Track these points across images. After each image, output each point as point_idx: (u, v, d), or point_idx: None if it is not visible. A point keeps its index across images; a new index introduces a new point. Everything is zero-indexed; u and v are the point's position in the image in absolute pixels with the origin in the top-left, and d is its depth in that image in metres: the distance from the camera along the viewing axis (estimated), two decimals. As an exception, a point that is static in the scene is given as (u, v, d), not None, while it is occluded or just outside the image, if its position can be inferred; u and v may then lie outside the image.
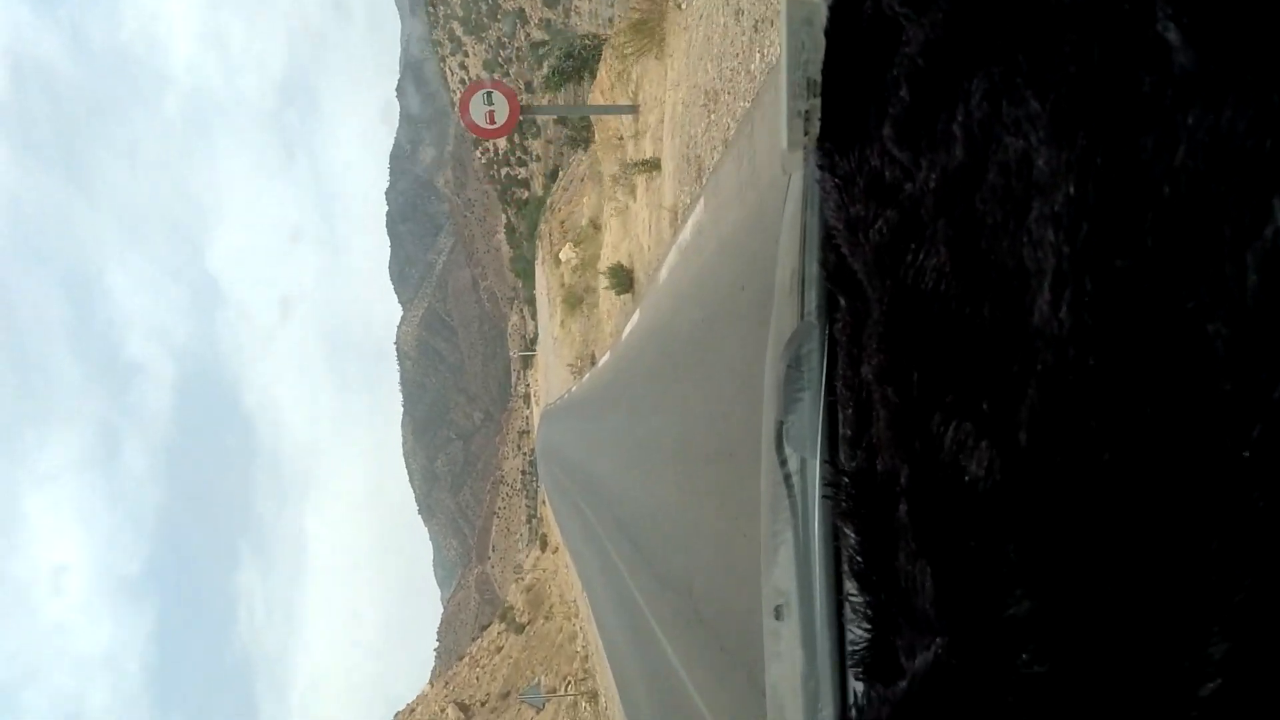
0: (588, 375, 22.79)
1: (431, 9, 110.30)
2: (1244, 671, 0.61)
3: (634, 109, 13.91)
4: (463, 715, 35.75)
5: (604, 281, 17.47)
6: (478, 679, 38.09)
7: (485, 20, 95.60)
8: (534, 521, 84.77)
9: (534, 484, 77.50)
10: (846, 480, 1.06)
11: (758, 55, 7.02)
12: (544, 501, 50.93)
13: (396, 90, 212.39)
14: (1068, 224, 0.69)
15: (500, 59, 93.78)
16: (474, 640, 48.85)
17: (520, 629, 34.67)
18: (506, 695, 30.67)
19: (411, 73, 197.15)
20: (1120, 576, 0.67)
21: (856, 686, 1.12)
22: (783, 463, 1.35)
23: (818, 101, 1.13)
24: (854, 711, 0.95)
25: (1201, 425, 0.62)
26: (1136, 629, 0.66)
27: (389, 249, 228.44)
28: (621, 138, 15.94)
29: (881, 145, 0.95)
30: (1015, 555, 0.72)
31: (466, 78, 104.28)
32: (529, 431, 78.65)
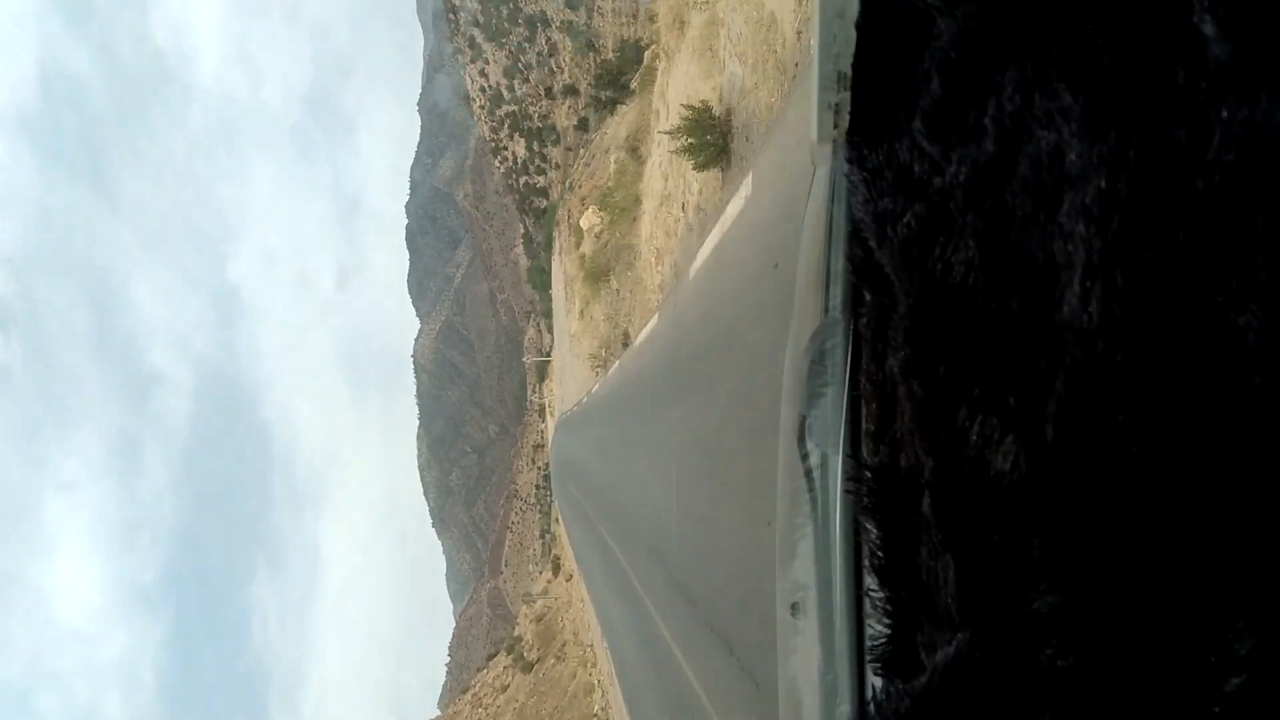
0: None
1: (451, 16, 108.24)
2: (1269, 667, 0.60)
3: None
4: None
5: (683, 141, 9.88)
6: (480, 720, 34.62)
7: (505, 25, 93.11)
8: (547, 537, 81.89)
9: (548, 499, 74.30)
10: (869, 475, 1.05)
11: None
12: (558, 519, 47.26)
13: (418, 105, 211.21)
14: (1099, 217, 0.68)
15: (520, 64, 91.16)
16: (479, 671, 44.87)
17: (529, 667, 30.82)
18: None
19: (432, 87, 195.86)
20: (1147, 571, 0.66)
21: (875, 682, 1.06)
22: (804, 457, 1.31)
23: (848, 95, 1.11)
24: (872, 706, 0.94)
25: (1231, 419, 0.61)
26: (1162, 624, 0.65)
27: (408, 262, 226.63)
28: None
29: (911, 139, 0.95)
30: (1040, 550, 0.72)
31: (486, 85, 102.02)
32: (544, 445, 75.46)
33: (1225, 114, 0.60)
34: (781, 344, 1.53)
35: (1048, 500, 0.72)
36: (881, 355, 1.03)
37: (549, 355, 66.72)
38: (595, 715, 19.06)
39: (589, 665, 20.87)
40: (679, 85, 12.79)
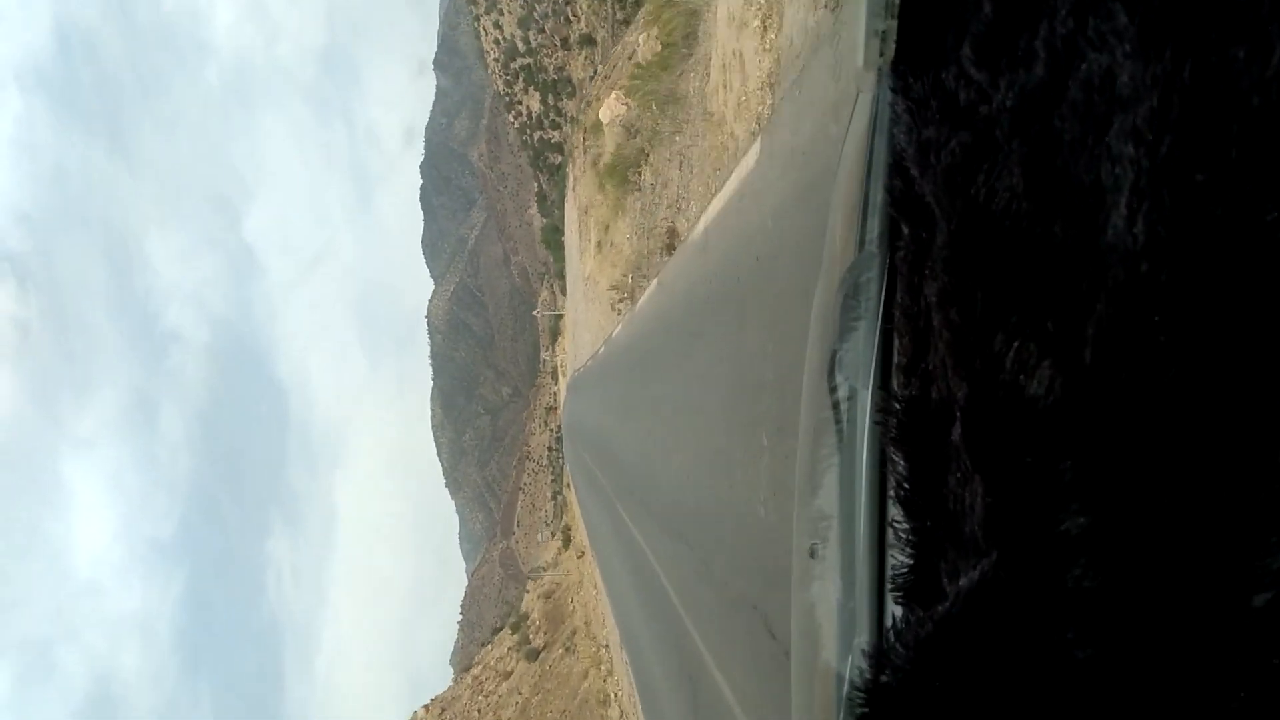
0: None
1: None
2: None
3: None
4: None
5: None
6: (479, 712, 31.93)
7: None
8: (559, 499, 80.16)
9: (560, 461, 72.20)
10: (899, 406, 1.05)
11: None
12: (569, 485, 44.65)
13: (434, 63, 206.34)
14: (1149, 138, 0.66)
15: (535, 15, 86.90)
16: (484, 646, 42.27)
17: (534, 654, 28.26)
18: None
19: (448, 45, 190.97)
20: (1179, 493, 0.65)
21: (896, 611, 1.05)
22: (832, 390, 1.30)
23: (894, 23, 1.09)
24: (891, 634, 0.94)
25: (1277, 340, 0.60)
26: (1191, 541, 0.65)
27: (422, 222, 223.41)
28: None
29: (959, 67, 0.94)
30: (1072, 472, 0.72)
31: (501, 38, 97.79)
32: (556, 407, 73.05)
33: None
34: (811, 285, 1.45)
35: (1082, 423, 0.71)
36: (917, 289, 1.01)
37: (561, 311, 63.95)
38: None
39: (603, 669, 18.09)
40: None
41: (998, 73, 0.85)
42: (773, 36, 8.45)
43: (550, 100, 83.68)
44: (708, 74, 11.17)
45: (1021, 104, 0.81)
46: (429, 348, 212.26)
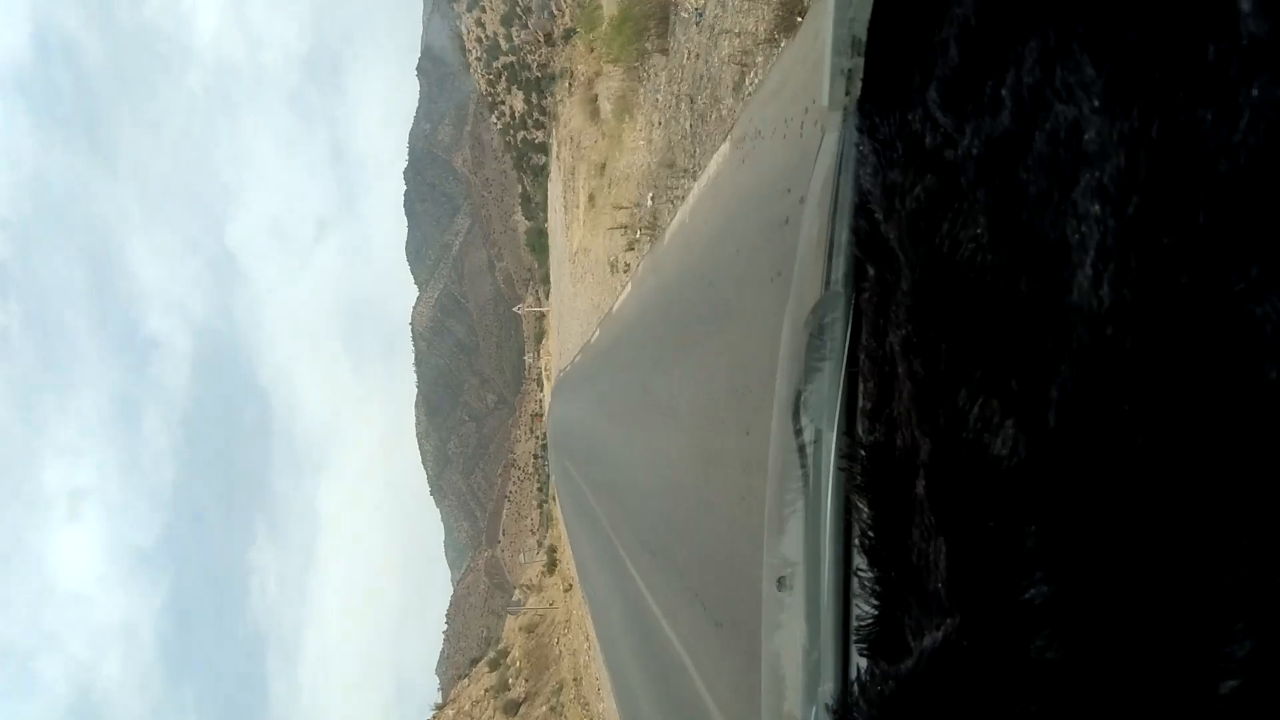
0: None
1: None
2: (1267, 671, 0.58)
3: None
4: None
5: None
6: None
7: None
8: (544, 508, 77.15)
9: (545, 469, 68.89)
10: (863, 453, 1.04)
11: None
12: (554, 498, 41.01)
13: (417, 69, 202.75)
14: (1116, 197, 0.64)
15: (519, 9, 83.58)
16: (460, 680, 38.18)
17: (513, 709, 23.86)
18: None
19: (431, 52, 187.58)
20: (1145, 567, 0.63)
21: (860, 662, 1.04)
22: (798, 432, 1.27)
23: (861, 60, 1.07)
24: (856, 686, 0.93)
25: (1242, 414, 0.58)
26: (1158, 621, 0.63)
27: (406, 229, 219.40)
28: None
29: (925, 109, 0.92)
30: (1036, 539, 0.70)
31: (484, 36, 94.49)
32: (541, 414, 69.74)
33: (1256, 93, 0.56)
34: (779, 310, 1.43)
35: (1046, 488, 0.69)
36: (882, 331, 0.99)
37: (546, 308, 61.09)
38: None
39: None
40: None
41: (964, 118, 0.83)
42: None
43: (534, 99, 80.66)
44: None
45: (987, 152, 0.78)
46: (413, 354, 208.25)
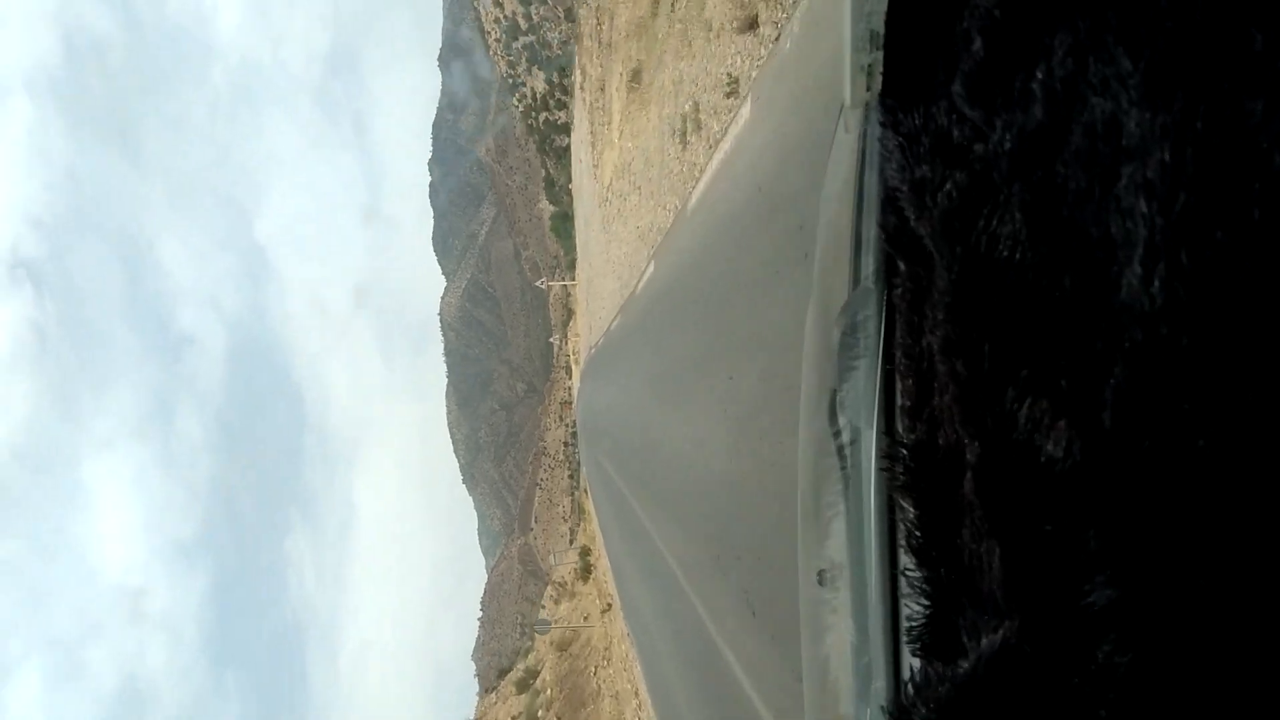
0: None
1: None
2: None
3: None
4: None
5: None
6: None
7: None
8: (575, 496, 75.08)
9: (576, 456, 66.70)
10: (905, 453, 1.03)
11: None
12: (585, 490, 38.21)
13: (438, 60, 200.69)
14: (1162, 193, 0.62)
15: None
16: (487, 694, 34.98)
17: None
18: None
19: (451, 42, 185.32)
20: (1212, 568, 0.62)
21: (913, 662, 1.01)
22: (835, 434, 1.26)
23: (880, 55, 1.04)
24: (910, 687, 0.93)
25: None
26: (1229, 622, 0.61)
27: (432, 220, 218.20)
28: None
29: (950, 102, 0.92)
30: (1097, 541, 0.69)
31: (502, 17, 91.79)
32: (570, 402, 67.32)
33: None
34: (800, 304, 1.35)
35: (1105, 490, 0.67)
36: (918, 328, 0.97)
37: (573, 281, 58.94)
38: None
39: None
40: None
41: (993, 112, 0.80)
42: None
43: (555, 78, 77.92)
44: None
45: (1021, 147, 0.76)
46: (442, 345, 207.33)
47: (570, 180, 54.19)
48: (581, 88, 29.33)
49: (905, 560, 1.00)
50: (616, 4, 19.18)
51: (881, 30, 1.00)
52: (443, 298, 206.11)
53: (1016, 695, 0.74)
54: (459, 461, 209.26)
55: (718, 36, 10.22)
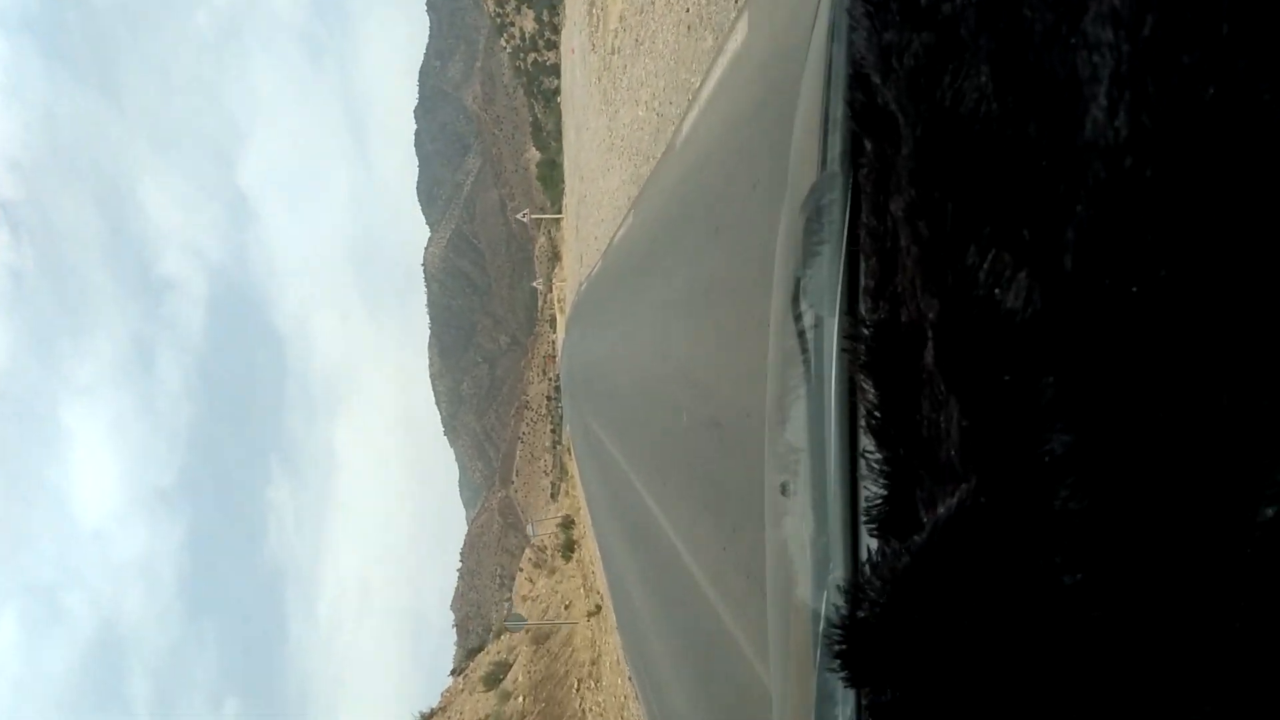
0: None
1: None
2: None
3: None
4: None
5: None
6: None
7: None
8: (557, 450, 73.09)
9: (558, 411, 64.45)
10: (867, 331, 1.00)
11: None
12: (568, 448, 35.67)
13: (426, 5, 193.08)
14: (1128, 19, 0.60)
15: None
16: (455, 676, 32.18)
17: None
18: None
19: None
20: (1174, 404, 0.60)
21: (871, 543, 0.99)
22: (797, 318, 1.23)
23: None
24: (867, 567, 0.90)
25: (1276, 238, 0.54)
26: (1189, 455, 0.60)
27: (417, 169, 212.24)
28: None
29: None
30: (1054, 388, 0.67)
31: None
32: (554, 356, 64.81)
33: None
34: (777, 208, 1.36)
35: (1063, 335, 0.65)
36: (882, 207, 0.92)
37: (557, 215, 55.94)
38: None
39: None
40: None
41: None
42: None
43: (545, 17, 73.53)
44: None
45: None
46: (426, 296, 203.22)
47: (560, 122, 50.74)
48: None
49: (865, 443, 0.96)
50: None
51: None
52: (426, 248, 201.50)
53: (973, 554, 0.72)
54: (441, 413, 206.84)
55: None
